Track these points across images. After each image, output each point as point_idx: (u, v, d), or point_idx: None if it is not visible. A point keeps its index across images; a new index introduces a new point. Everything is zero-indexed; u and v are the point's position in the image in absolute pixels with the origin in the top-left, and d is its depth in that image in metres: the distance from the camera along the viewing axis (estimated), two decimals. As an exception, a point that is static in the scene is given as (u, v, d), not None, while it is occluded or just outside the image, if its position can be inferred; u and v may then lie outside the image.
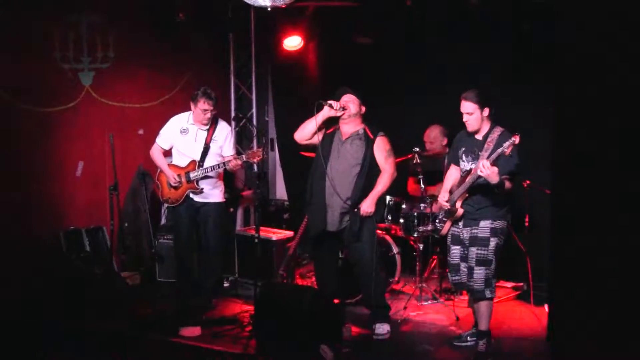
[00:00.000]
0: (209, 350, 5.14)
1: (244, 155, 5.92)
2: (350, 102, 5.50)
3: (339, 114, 5.48)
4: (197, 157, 6.05)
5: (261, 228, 6.27)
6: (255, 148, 6.10)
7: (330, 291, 5.71)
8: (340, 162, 5.50)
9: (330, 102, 5.47)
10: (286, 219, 8.16)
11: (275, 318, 5.09)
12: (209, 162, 6.05)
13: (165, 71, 7.45)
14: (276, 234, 6.96)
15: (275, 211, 8.33)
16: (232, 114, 8.40)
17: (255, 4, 5.06)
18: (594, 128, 2.56)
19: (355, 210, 5.43)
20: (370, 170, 5.48)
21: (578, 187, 2.63)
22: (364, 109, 5.57)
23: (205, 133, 6.10)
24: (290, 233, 7.01)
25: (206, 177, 6.06)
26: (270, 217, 8.01)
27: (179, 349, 5.21)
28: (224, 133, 6.19)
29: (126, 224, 7.12)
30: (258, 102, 8.50)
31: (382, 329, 5.51)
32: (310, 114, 5.56)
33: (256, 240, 5.95)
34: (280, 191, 8.78)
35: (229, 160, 5.95)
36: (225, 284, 6.96)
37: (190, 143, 6.09)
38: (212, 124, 6.14)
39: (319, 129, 5.57)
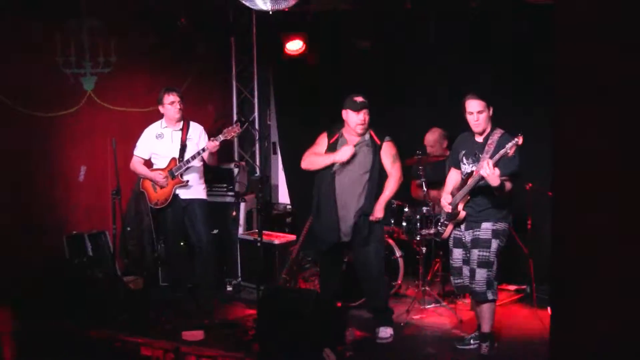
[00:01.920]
0: (211, 354, 5.13)
1: (220, 135, 6.03)
2: (367, 116, 5.45)
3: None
4: (176, 155, 6.19)
5: (264, 232, 6.28)
6: (236, 143, 6.29)
7: (333, 295, 5.71)
8: (349, 172, 5.47)
9: (341, 161, 5.43)
10: (289, 222, 8.16)
11: (278, 322, 5.08)
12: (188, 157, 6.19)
13: (167, 75, 7.44)
14: (279, 238, 6.96)
15: (277, 215, 8.33)
16: (234, 118, 8.41)
17: (257, 8, 5.06)
18: (595, 128, 2.56)
19: (365, 216, 5.43)
20: (379, 176, 5.48)
21: (579, 188, 2.62)
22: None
23: (180, 133, 6.25)
24: (292, 237, 7.01)
25: (189, 169, 6.17)
26: (273, 221, 8.01)
27: (181, 352, 5.20)
28: (197, 131, 6.34)
29: (129, 228, 7.11)
30: (260, 105, 8.51)
31: (385, 332, 5.50)
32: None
33: (259, 244, 5.97)
34: (283, 195, 8.77)
35: (208, 143, 6.07)
36: (228, 288, 6.97)
37: (167, 145, 6.23)
38: (185, 125, 6.27)
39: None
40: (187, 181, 6.18)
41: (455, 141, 5.37)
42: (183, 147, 6.20)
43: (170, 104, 6.13)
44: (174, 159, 6.18)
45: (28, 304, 5.82)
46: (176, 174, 6.14)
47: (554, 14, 2.57)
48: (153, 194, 6.26)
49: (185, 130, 6.25)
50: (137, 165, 6.30)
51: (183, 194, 6.21)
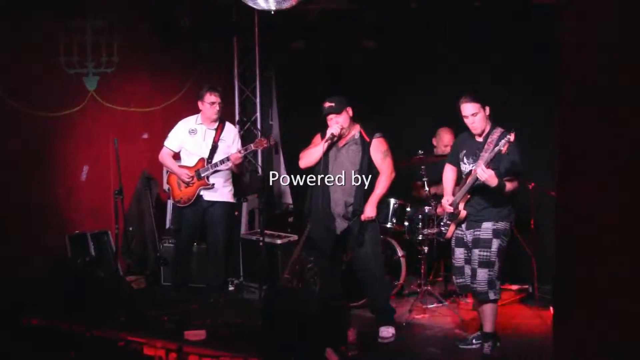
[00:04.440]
0: (213, 354, 5.13)
1: (252, 145, 6.06)
2: (340, 118, 5.43)
3: (342, 133, 5.47)
4: (206, 156, 6.15)
5: (266, 232, 6.28)
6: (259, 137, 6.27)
7: (335, 294, 5.71)
8: (339, 170, 5.46)
9: (332, 134, 5.41)
10: (291, 222, 8.16)
11: (280, 322, 5.08)
12: (217, 160, 6.13)
13: (169, 75, 7.47)
14: (281, 238, 6.95)
15: (280, 215, 8.33)
16: (236, 118, 8.41)
17: (259, 8, 5.07)
18: (598, 127, 2.56)
19: (356, 217, 5.43)
20: (369, 174, 5.47)
21: (582, 188, 2.63)
22: (350, 111, 5.49)
23: (213, 132, 6.21)
24: (295, 236, 7.00)
25: (216, 172, 6.14)
26: (275, 221, 8.00)
27: (183, 352, 5.21)
28: (232, 134, 6.32)
29: (131, 228, 7.13)
30: (262, 105, 8.50)
31: (387, 332, 5.50)
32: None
33: (261, 244, 5.96)
34: (285, 195, 8.77)
35: (231, 154, 6.06)
36: (231, 288, 6.97)
37: (199, 142, 6.18)
38: (220, 125, 6.24)
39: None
40: (213, 184, 6.16)
41: (455, 141, 5.38)
42: (214, 148, 6.17)
43: (211, 104, 6.12)
44: (202, 159, 6.15)
45: (30, 303, 5.84)
46: (203, 175, 6.12)
47: (556, 16, 2.57)
48: (177, 191, 6.24)
49: (219, 130, 6.23)
50: (165, 157, 6.27)
51: (207, 195, 6.19)
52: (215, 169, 6.11)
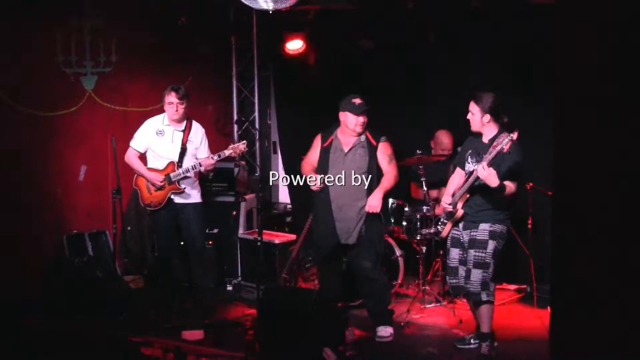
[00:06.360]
0: (211, 354, 5.13)
1: (226, 151, 5.95)
2: (365, 119, 5.46)
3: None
4: (175, 159, 6.04)
5: (264, 231, 6.27)
6: (236, 142, 6.18)
7: (334, 294, 5.71)
8: (346, 174, 5.45)
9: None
10: (289, 222, 8.16)
11: (278, 321, 5.08)
12: (187, 163, 6.05)
13: (167, 75, 7.43)
14: (279, 238, 6.94)
15: (278, 214, 8.33)
16: (235, 118, 8.41)
17: (258, 7, 5.06)
18: (596, 128, 2.56)
19: (365, 212, 5.42)
20: (377, 177, 5.47)
21: (580, 187, 2.62)
22: None
23: (182, 134, 6.09)
24: (293, 236, 7.00)
25: (185, 177, 6.06)
26: (273, 221, 8.00)
27: (181, 352, 5.20)
28: (199, 135, 6.18)
29: (129, 228, 7.12)
30: (260, 105, 8.50)
31: (385, 331, 5.50)
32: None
33: (259, 244, 5.96)
34: (283, 194, 8.77)
35: (203, 159, 5.98)
36: (228, 288, 6.97)
37: (167, 144, 6.07)
38: (188, 125, 6.13)
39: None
40: (184, 188, 6.09)
41: (464, 142, 5.38)
42: (183, 150, 6.04)
43: (169, 104, 5.99)
44: (172, 163, 6.02)
45: (28, 303, 5.83)
46: (173, 179, 6.01)
47: (554, 14, 2.57)
48: (147, 195, 6.11)
49: (187, 131, 6.09)
50: (132, 159, 6.12)
51: (177, 198, 6.09)
52: (185, 174, 6.01)
